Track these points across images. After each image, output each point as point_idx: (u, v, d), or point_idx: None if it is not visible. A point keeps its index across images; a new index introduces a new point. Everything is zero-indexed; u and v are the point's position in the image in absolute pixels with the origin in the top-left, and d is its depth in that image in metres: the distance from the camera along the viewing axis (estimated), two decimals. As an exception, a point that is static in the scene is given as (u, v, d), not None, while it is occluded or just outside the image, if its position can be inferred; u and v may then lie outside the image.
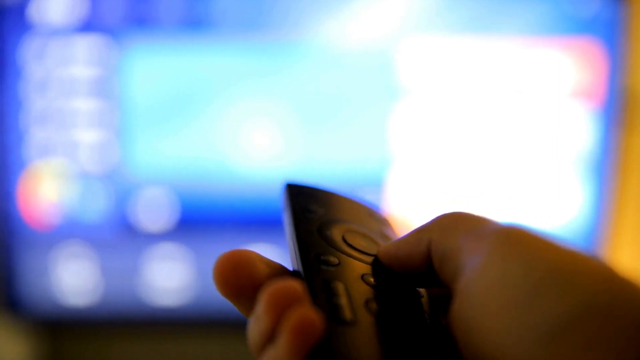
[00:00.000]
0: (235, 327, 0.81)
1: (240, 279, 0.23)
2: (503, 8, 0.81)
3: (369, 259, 0.27)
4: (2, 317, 0.82)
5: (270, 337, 0.22)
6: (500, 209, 0.87)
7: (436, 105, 0.84)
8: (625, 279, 0.21)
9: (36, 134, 0.79)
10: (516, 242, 0.22)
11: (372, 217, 0.31)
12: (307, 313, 0.21)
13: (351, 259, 0.26)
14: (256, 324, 0.22)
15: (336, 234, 0.27)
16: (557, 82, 0.84)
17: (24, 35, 0.77)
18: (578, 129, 0.85)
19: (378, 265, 0.27)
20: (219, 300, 0.84)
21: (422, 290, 0.26)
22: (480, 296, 0.22)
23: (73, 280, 0.82)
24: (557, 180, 0.87)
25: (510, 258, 0.22)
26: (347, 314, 0.22)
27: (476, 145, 0.85)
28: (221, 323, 0.85)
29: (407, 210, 0.84)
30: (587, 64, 0.84)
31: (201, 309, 0.84)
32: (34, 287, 0.81)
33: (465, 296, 0.22)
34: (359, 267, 0.26)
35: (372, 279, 0.25)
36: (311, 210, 0.28)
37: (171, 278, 0.84)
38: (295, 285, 0.22)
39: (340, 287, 0.24)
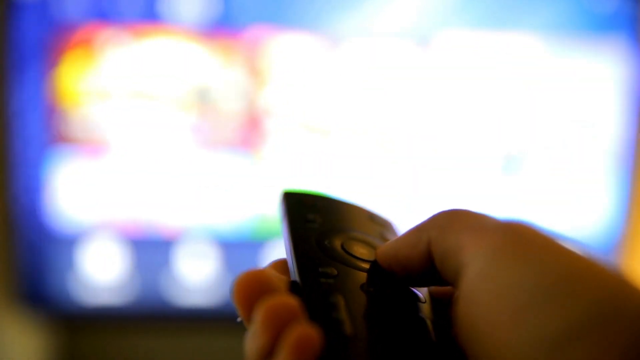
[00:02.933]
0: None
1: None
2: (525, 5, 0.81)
3: (367, 265, 0.26)
4: (20, 311, 0.83)
5: (268, 354, 0.21)
6: (524, 210, 0.85)
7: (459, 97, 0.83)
8: (635, 284, 0.20)
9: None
10: (521, 241, 0.21)
11: (373, 221, 0.30)
12: (305, 330, 0.20)
13: (350, 269, 0.25)
14: (253, 341, 0.22)
15: (335, 243, 0.27)
16: (581, 79, 0.83)
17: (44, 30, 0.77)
18: (601, 126, 0.84)
19: (377, 269, 0.26)
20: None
21: (424, 294, 0.26)
22: (484, 301, 0.21)
23: (93, 276, 0.83)
24: (581, 181, 0.85)
25: (515, 259, 0.21)
26: (348, 328, 0.22)
27: (500, 143, 0.84)
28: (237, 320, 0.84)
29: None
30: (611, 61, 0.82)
31: (220, 306, 0.84)
32: (55, 282, 0.82)
33: (468, 300, 0.22)
34: (359, 276, 0.25)
35: (371, 288, 0.25)
36: (309, 219, 0.28)
37: (191, 276, 0.84)
38: (291, 301, 0.22)
39: (339, 300, 0.23)
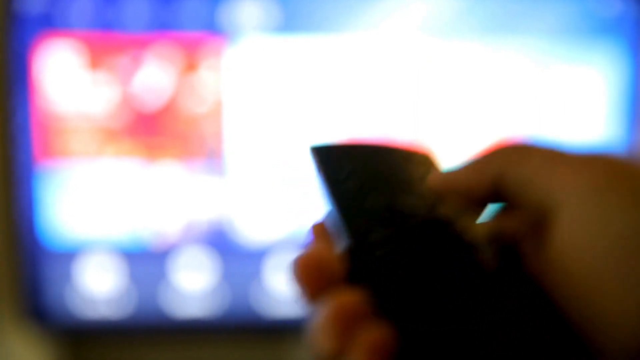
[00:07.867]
0: (257, 335, 0.84)
1: (321, 283, 0.22)
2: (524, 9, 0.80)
3: (418, 221, 0.25)
4: (25, 326, 0.82)
5: (338, 353, 0.21)
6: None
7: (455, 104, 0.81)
8: None
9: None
10: (621, 177, 0.20)
11: (411, 161, 0.28)
12: (378, 332, 0.20)
13: (403, 232, 0.24)
14: (321, 339, 0.21)
15: (380, 200, 0.25)
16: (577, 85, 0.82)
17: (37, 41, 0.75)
18: (597, 130, 0.83)
19: (426, 225, 0.24)
20: (242, 310, 0.81)
21: (483, 242, 0.24)
22: (588, 237, 0.20)
23: (96, 290, 0.82)
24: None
25: (624, 199, 0.20)
26: (415, 306, 0.21)
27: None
28: (245, 332, 0.85)
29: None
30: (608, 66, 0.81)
31: (225, 318, 0.83)
32: (58, 296, 0.81)
33: (568, 235, 0.20)
34: (413, 239, 0.24)
35: (428, 249, 0.23)
36: (346, 177, 0.26)
37: (195, 288, 0.82)
38: (357, 298, 0.21)
39: (400, 273, 0.22)
